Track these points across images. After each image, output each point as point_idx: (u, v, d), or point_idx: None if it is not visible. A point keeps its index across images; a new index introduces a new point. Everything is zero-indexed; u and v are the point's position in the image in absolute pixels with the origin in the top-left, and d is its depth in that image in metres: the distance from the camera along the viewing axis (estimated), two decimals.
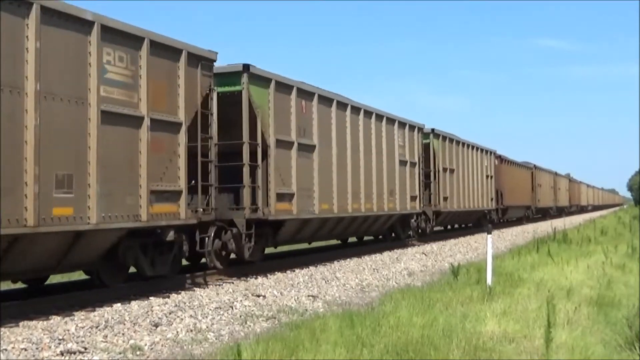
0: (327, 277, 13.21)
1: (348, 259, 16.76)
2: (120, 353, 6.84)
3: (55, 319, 8.43)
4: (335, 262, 16.14)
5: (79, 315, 8.77)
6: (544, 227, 32.43)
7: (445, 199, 24.90)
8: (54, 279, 12.29)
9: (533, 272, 12.82)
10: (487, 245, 11.47)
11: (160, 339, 7.49)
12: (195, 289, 11.28)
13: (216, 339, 7.65)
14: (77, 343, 7.13)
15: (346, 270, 14.35)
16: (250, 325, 8.40)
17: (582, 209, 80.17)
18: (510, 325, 7.63)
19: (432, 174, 24.08)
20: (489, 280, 10.68)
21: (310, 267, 14.77)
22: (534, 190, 43.92)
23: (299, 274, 13.52)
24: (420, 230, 22.90)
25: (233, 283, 12.11)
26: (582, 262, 14.25)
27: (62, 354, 6.71)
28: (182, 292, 10.79)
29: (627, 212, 72.97)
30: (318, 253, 18.25)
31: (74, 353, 6.76)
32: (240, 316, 8.92)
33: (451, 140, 26.17)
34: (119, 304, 9.53)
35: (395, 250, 19.81)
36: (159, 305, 9.50)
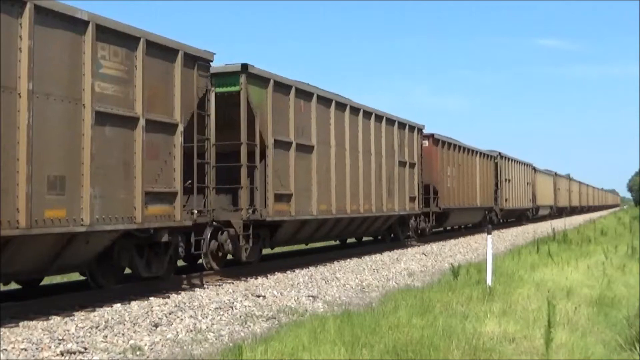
0: (327, 277, 13.20)
1: (348, 259, 16.75)
2: (120, 353, 6.84)
3: (55, 319, 8.42)
4: (335, 262, 16.14)
5: (79, 315, 8.76)
6: (544, 228, 32.51)
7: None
8: (54, 279, 12.30)
9: (533, 272, 12.82)
10: (487, 246, 11.47)
11: (160, 339, 7.49)
12: (195, 289, 11.28)
13: (216, 339, 7.64)
14: (77, 343, 7.13)
15: (346, 271, 14.35)
16: (250, 326, 8.41)
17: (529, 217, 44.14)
18: (510, 325, 7.63)
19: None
20: (489, 281, 10.68)
21: (310, 268, 14.77)
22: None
23: (299, 274, 13.52)
24: (419, 231, 23.41)
25: (233, 283, 12.10)
26: (582, 263, 14.25)
27: (62, 354, 6.71)
28: (182, 293, 10.79)
29: (627, 212, 72.17)
30: (318, 254, 18.24)
31: (74, 353, 6.76)
32: (240, 316, 8.92)
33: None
34: (119, 304, 9.52)
35: (395, 250, 19.80)
36: (159, 306, 9.49)
